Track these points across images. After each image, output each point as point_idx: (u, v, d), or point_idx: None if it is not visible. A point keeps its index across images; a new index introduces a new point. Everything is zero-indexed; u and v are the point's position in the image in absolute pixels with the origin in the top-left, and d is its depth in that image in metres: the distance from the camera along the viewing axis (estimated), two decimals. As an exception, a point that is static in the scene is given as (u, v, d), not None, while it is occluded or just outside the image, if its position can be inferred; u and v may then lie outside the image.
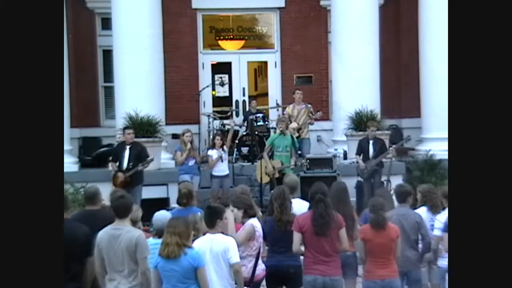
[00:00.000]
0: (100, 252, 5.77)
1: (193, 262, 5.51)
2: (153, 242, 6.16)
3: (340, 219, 6.40)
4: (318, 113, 13.42)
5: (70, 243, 5.37)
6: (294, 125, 13.21)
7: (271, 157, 11.59)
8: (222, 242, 5.90)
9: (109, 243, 5.73)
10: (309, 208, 6.50)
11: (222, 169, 11.81)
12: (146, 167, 11.03)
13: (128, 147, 11.06)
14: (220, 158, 11.67)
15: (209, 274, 5.74)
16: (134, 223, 6.23)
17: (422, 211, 7.36)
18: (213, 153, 11.77)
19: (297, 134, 13.17)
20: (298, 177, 11.33)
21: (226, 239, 5.96)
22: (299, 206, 7.11)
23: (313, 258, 6.33)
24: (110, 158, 11.54)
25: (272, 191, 7.19)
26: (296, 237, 6.34)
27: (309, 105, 13.60)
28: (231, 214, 6.55)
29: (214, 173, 11.81)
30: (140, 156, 10.99)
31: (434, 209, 7.35)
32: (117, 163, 11.06)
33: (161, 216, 6.46)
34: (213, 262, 5.82)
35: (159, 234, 6.27)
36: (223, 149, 11.80)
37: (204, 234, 6.22)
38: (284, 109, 14.63)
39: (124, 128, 11.43)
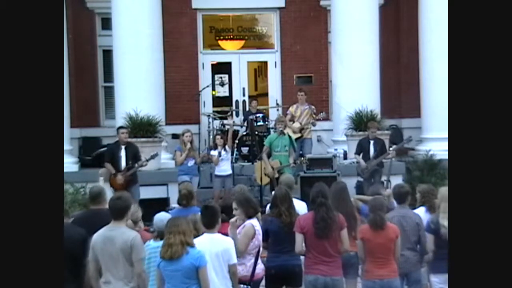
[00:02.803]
0: (95, 254, 5.73)
1: (194, 262, 5.50)
2: (154, 245, 6.14)
3: (342, 220, 6.41)
4: (321, 113, 13.43)
5: (66, 245, 5.32)
6: (296, 125, 13.22)
7: (269, 157, 11.58)
8: (222, 241, 5.91)
9: (103, 245, 5.69)
10: (310, 209, 6.50)
11: (224, 169, 11.82)
12: (146, 165, 11.05)
13: (123, 147, 11.02)
14: (219, 154, 11.69)
15: (209, 273, 5.74)
16: (134, 223, 6.21)
17: (421, 211, 7.35)
18: (215, 153, 11.81)
19: (299, 134, 13.19)
20: (298, 177, 11.39)
21: (225, 239, 5.97)
22: (297, 206, 7.10)
23: (314, 258, 6.35)
24: (105, 159, 11.27)
25: (274, 192, 7.16)
26: (299, 237, 6.35)
27: (313, 107, 13.62)
28: (251, 225, 6.53)
29: (217, 173, 11.83)
30: (136, 156, 10.98)
31: (433, 210, 7.33)
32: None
33: (163, 217, 6.43)
34: (213, 262, 5.81)
35: (161, 236, 6.26)
36: (225, 149, 11.81)
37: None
38: (284, 109, 14.64)
39: (118, 128, 11.37)
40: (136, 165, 10.88)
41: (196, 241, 5.83)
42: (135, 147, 11.14)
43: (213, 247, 5.82)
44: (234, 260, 5.92)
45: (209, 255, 5.78)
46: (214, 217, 5.98)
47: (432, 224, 6.68)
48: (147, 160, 10.99)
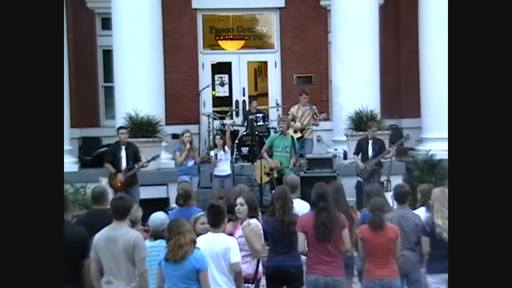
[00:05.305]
0: (97, 254, 5.73)
1: (196, 264, 5.49)
2: (149, 245, 6.13)
3: (343, 220, 6.42)
4: (322, 114, 13.43)
5: (66, 245, 5.32)
6: (298, 125, 13.21)
7: (270, 157, 11.57)
8: (224, 242, 5.91)
9: (106, 245, 5.69)
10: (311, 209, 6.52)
11: (223, 169, 11.83)
12: (146, 166, 11.05)
13: (123, 147, 11.06)
14: (217, 154, 11.70)
15: (211, 272, 5.75)
16: (133, 223, 6.21)
17: (421, 211, 7.35)
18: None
19: (300, 134, 13.18)
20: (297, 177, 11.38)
21: (227, 239, 5.98)
22: (300, 206, 7.13)
23: (316, 258, 6.36)
24: (106, 159, 11.31)
25: (273, 191, 7.17)
26: (301, 237, 6.38)
27: (314, 107, 13.60)
28: (257, 225, 6.52)
29: (216, 173, 11.84)
30: (136, 156, 11.00)
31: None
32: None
33: (158, 217, 6.43)
34: (214, 261, 5.84)
35: (155, 235, 6.26)
36: (224, 149, 11.81)
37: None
38: (284, 109, 14.63)
39: (118, 128, 11.40)
40: (137, 166, 10.90)
41: (199, 239, 5.84)
42: (135, 147, 11.17)
43: (214, 247, 5.85)
44: (236, 259, 5.90)
45: (210, 254, 5.80)
46: (219, 216, 6.00)
47: (428, 226, 6.70)
48: (148, 162, 11.02)
